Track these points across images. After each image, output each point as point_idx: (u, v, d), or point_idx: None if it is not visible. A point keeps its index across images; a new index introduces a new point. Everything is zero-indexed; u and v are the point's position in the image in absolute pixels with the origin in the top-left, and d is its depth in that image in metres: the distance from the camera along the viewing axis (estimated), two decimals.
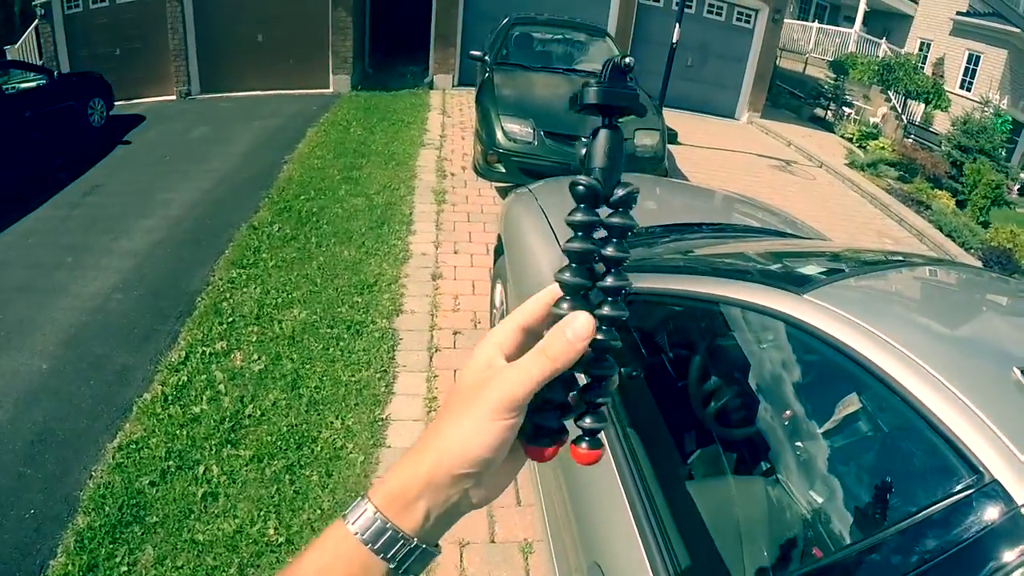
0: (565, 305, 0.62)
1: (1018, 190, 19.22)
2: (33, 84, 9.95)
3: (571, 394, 0.65)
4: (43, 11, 13.58)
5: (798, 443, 1.88)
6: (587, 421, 0.64)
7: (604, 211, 0.64)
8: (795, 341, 1.90)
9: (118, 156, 10.00)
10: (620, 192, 0.63)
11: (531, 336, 0.65)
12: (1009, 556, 1.09)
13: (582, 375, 0.65)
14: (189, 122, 11.75)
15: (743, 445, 2.17)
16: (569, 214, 0.63)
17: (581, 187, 0.62)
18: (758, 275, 2.22)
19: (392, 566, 0.61)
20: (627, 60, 0.62)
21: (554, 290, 0.65)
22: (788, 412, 1.93)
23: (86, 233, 7.11)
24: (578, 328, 0.60)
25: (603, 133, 0.64)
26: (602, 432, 0.66)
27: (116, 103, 11.78)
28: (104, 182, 8.78)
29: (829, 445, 1.80)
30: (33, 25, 14.15)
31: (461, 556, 3.24)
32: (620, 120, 0.65)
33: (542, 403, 0.63)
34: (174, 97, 13.71)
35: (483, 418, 0.59)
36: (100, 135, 10.79)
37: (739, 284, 2.10)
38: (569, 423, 0.66)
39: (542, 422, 0.64)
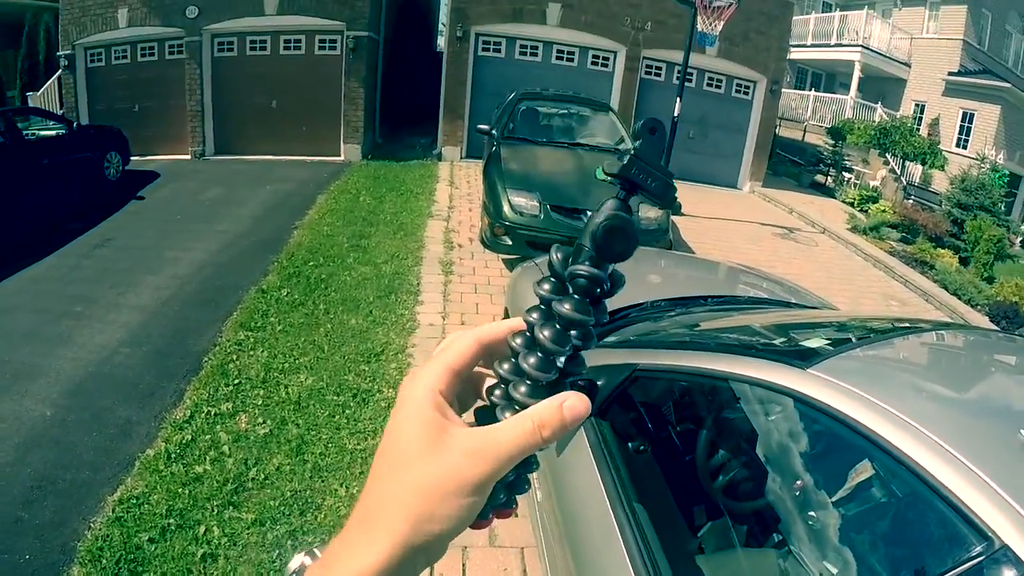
0: (535, 315, 0.58)
1: (1020, 242, 19.27)
2: (53, 133, 10.17)
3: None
4: (67, 62, 13.98)
5: (805, 516, 1.90)
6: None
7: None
8: (801, 415, 1.92)
9: (131, 211, 10.14)
10: (579, 269, 0.56)
11: (458, 377, 0.59)
12: None
13: None
14: (202, 182, 11.94)
15: (751, 518, 2.17)
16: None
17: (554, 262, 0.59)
18: (763, 350, 2.23)
19: None
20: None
21: (478, 335, 0.61)
22: (795, 485, 1.94)
23: (95, 285, 7.18)
24: (577, 409, 0.55)
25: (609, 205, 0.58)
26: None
27: (132, 158, 11.98)
28: (116, 236, 8.88)
29: (837, 518, 1.81)
30: (56, 75, 14.54)
31: None
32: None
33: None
34: (188, 156, 13.99)
35: (458, 496, 0.52)
36: (115, 189, 10.96)
37: (744, 360, 2.12)
38: None
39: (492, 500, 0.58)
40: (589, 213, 4.86)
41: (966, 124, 23.26)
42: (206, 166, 13.47)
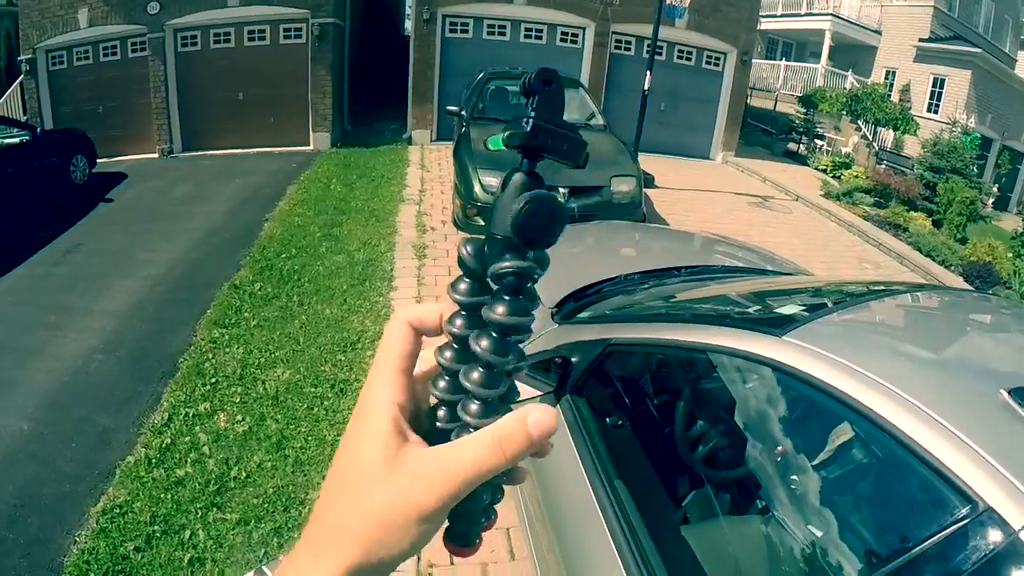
0: (459, 322, 0.52)
1: (992, 204, 19.55)
2: (16, 140, 9.97)
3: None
4: (28, 67, 13.77)
5: (787, 483, 1.88)
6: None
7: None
8: (779, 383, 1.90)
9: (100, 214, 10.01)
10: (504, 266, 0.50)
11: (409, 376, 0.53)
12: None
13: None
14: (171, 180, 11.81)
15: (732, 487, 2.17)
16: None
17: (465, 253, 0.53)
18: (737, 319, 2.21)
19: None
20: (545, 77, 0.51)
21: (406, 317, 0.55)
22: (776, 451, 1.93)
23: (67, 292, 7.10)
24: (543, 423, 0.50)
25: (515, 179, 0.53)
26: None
27: (98, 160, 11.80)
28: (86, 241, 8.77)
29: (818, 484, 1.79)
30: (18, 80, 14.30)
31: None
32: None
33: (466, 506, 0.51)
34: (156, 155, 13.83)
35: (410, 524, 0.48)
36: (82, 193, 10.80)
37: (719, 330, 2.10)
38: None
39: (465, 527, 0.54)
40: (561, 190, 4.74)
41: (937, 89, 23.52)
42: (174, 164, 13.33)
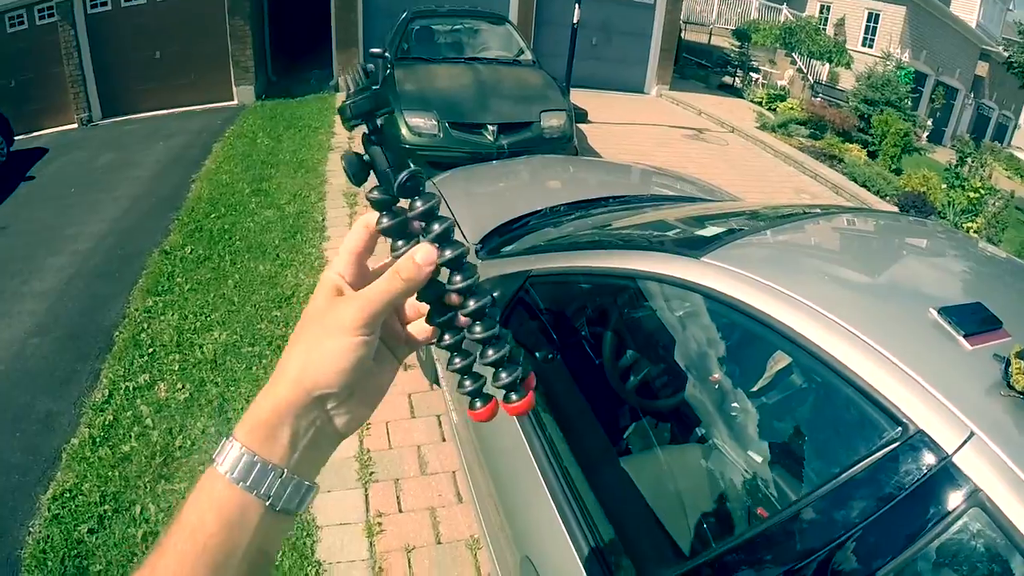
0: (384, 220, 0.68)
1: (927, 137, 20.01)
2: None
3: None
4: None
5: (715, 410, 1.86)
6: (502, 376, 0.68)
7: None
8: (698, 306, 1.88)
9: (22, 194, 9.63)
10: (403, 177, 0.66)
11: (359, 257, 0.70)
12: (945, 506, 1.06)
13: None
14: (93, 150, 11.41)
15: (665, 416, 2.14)
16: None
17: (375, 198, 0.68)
18: (657, 243, 2.20)
19: (268, 503, 0.62)
20: (368, 67, 0.67)
21: (371, 216, 0.69)
22: (707, 379, 1.90)
23: None
24: (424, 252, 0.65)
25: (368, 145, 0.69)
26: (527, 377, 0.71)
27: (16, 137, 11.34)
28: (9, 223, 8.46)
29: (748, 409, 1.76)
30: None
31: (409, 562, 3.25)
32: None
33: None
34: (76, 125, 13.27)
35: (340, 335, 0.62)
36: (1, 173, 10.38)
37: (636, 254, 2.08)
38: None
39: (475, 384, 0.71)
40: (489, 127, 4.78)
41: (872, 24, 23.85)
42: (96, 132, 12.84)
